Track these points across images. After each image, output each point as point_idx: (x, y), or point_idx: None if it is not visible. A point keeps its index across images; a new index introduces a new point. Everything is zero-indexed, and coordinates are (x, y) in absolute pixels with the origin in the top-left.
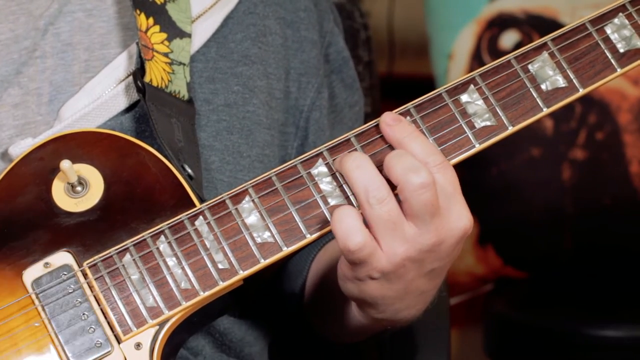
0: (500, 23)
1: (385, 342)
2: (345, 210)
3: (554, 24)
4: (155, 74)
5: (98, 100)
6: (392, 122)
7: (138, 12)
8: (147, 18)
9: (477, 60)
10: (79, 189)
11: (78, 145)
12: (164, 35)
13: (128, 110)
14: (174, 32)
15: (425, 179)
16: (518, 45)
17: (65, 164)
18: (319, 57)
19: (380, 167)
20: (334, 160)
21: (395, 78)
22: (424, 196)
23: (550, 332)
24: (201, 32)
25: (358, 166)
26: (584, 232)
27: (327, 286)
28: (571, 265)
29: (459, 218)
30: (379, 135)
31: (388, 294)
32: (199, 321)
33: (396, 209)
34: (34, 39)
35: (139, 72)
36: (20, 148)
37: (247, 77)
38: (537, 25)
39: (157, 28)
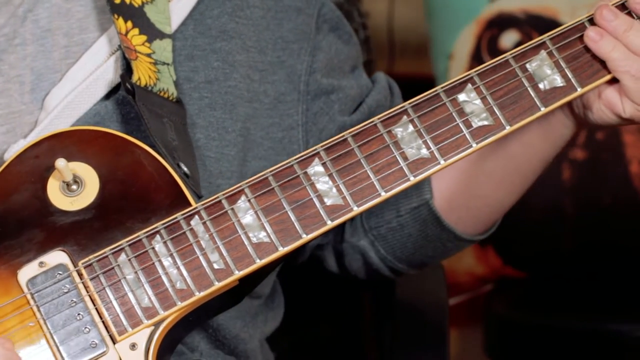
0: (500, 23)
1: (386, 342)
2: None
3: (554, 24)
4: (142, 72)
5: (80, 86)
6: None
7: (116, 16)
8: (126, 22)
9: (477, 60)
10: (74, 187)
11: (73, 143)
12: (144, 38)
13: (110, 94)
14: (153, 33)
15: None
16: (518, 45)
17: (60, 162)
18: (307, 22)
19: None
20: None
21: (395, 78)
22: None
23: (550, 332)
24: (178, 11)
25: None
26: (584, 232)
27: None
28: (571, 265)
29: None
30: (375, 135)
31: None
32: (194, 320)
33: None
34: (13, 26)
35: (126, 74)
36: (15, 151)
37: (226, 52)
38: (537, 25)
39: (136, 31)
